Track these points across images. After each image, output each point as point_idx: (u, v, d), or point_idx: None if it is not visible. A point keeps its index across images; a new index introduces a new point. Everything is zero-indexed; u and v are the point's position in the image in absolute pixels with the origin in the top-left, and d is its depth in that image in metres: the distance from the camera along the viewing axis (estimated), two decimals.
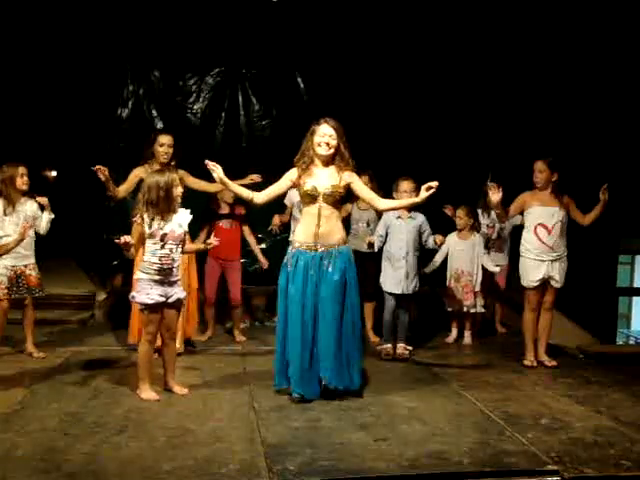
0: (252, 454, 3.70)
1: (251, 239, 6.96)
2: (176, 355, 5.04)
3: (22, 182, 5.74)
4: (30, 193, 5.87)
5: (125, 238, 4.46)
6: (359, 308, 4.88)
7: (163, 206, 4.58)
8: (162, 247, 4.60)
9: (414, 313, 6.20)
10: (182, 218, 4.69)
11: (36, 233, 5.84)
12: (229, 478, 3.40)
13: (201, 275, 6.72)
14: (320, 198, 4.70)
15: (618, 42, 8.30)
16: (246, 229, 6.91)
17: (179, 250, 4.70)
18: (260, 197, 4.85)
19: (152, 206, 4.58)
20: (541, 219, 5.80)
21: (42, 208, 5.85)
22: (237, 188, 4.88)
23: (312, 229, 4.71)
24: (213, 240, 4.99)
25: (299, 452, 3.73)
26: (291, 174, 4.83)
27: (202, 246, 5.22)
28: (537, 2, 8.24)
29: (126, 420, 4.22)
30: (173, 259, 4.64)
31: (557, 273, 5.79)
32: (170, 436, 3.93)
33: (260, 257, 6.99)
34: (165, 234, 4.59)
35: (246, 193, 4.84)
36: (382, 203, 4.95)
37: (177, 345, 5.71)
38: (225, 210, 6.74)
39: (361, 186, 4.88)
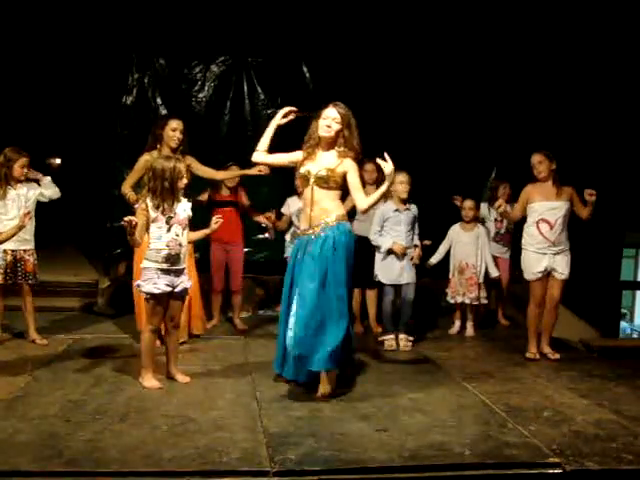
0: (253, 443, 3.70)
1: (258, 217, 6.91)
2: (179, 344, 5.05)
3: (21, 172, 5.72)
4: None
5: (130, 218, 4.40)
6: (345, 285, 4.58)
7: (166, 195, 4.57)
8: (168, 230, 4.58)
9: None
10: (185, 205, 4.70)
11: (39, 216, 5.83)
12: (230, 467, 3.41)
13: (206, 262, 6.75)
14: (312, 180, 4.62)
15: (621, 36, 8.25)
16: (251, 212, 6.92)
17: (185, 235, 4.68)
18: (259, 157, 4.88)
19: (155, 194, 4.57)
20: (544, 214, 5.77)
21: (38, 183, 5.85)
22: (270, 133, 4.87)
23: (307, 213, 4.68)
24: (216, 220, 4.92)
25: (300, 442, 3.74)
26: (296, 155, 4.78)
27: (206, 231, 5.07)
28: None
29: (128, 408, 4.23)
30: (180, 244, 4.63)
31: (559, 265, 5.75)
32: (172, 424, 3.94)
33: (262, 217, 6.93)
34: (170, 217, 4.59)
35: (264, 141, 4.86)
36: (364, 203, 4.68)
37: (183, 337, 5.72)
38: (226, 193, 6.76)
39: (354, 180, 4.66)
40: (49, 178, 5.88)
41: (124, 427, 3.89)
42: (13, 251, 5.68)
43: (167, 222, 4.58)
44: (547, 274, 5.79)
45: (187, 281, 4.77)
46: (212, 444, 3.66)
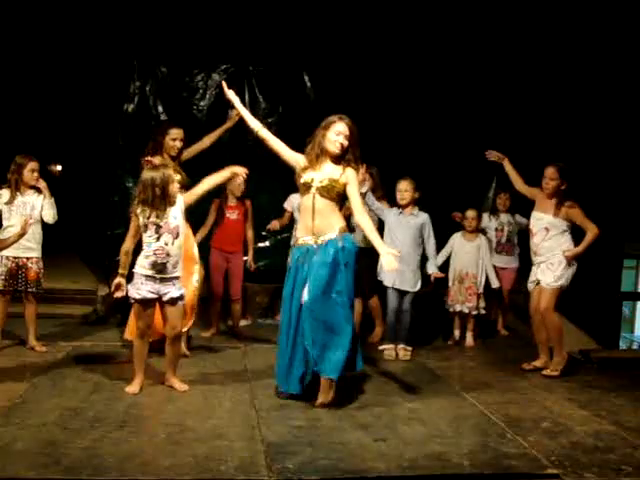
0: (252, 452, 3.70)
1: (250, 234, 6.95)
2: (180, 356, 5.04)
3: (31, 177, 5.75)
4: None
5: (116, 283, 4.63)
6: (348, 298, 4.57)
7: (158, 203, 4.59)
8: (157, 239, 4.61)
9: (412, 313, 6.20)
10: (176, 210, 4.68)
11: (45, 224, 5.86)
12: (228, 476, 3.40)
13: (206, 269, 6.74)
14: (314, 189, 4.60)
15: (626, 46, 8.28)
16: (248, 223, 6.91)
17: (175, 244, 4.66)
18: (265, 133, 4.85)
19: (147, 203, 4.60)
20: (530, 224, 5.85)
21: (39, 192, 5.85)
22: (246, 113, 4.95)
23: (308, 223, 4.65)
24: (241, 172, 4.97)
25: (299, 451, 3.73)
26: (297, 157, 4.76)
27: (227, 174, 5.04)
28: (545, 4, 8.22)
29: (126, 415, 4.23)
30: (168, 253, 4.63)
31: (541, 275, 5.69)
32: (170, 432, 3.94)
33: (250, 257, 6.95)
34: (160, 226, 4.61)
35: (253, 123, 4.89)
36: (359, 217, 4.68)
37: (183, 349, 5.69)
38: (233, 203, 6.77)
39: (354, 191, 4.64)
40: (52, 199, 5.87)
41: (122, 435, 3.88)
42: (15, 258, 5.68)
43: (156, 231, 4.61)
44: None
45: (177, 290, 4.73)
46: (210, 453, 3.66)
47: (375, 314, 6.82)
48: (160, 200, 4.59)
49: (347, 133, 4.62)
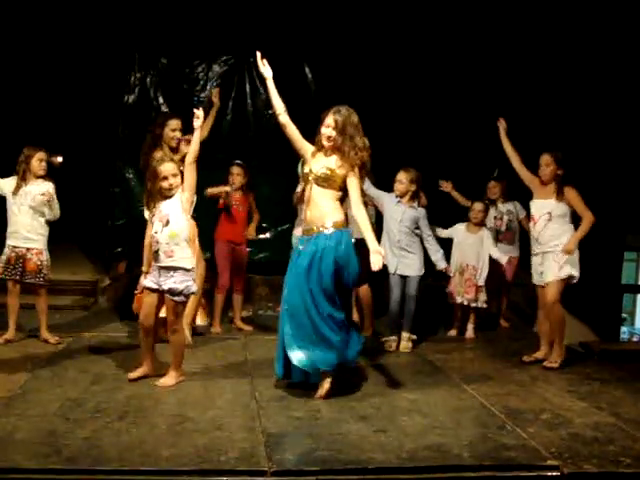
0: (252, 443, 3.71)
1: (255, 215, 6.95)
2: (183, 345, 5.01)
3: (39, 167, 5.79)
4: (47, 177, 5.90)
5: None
6: (336, 296, 4.55)
7: (150, 194, 4.77)
8: (151, 228, 4.72)
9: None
10: (172, 201, 4.71)
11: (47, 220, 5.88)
12: (228, 466, 3.41)
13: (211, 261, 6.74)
14: (312, 179, 4.62)
15: (629, 37, 8.25)
16: (254, 214, 6.93)
17: (165, 232, 4.64)
18: (286, 118, 4.81)
19: (146, 192, 4.85)
20: (532, 212, 5.82)
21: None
22: (273, 91, 4.89)
23: (306, 214, 4.69)
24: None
25: (299, 442, 3.76)
26: (306, 146, 4.78)
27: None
28: None
29: (127, 406, 4.24)
30: (157, 241, 4.65)
31: (545, 267, 5.64)
32: (170, 423, 3.95)
33: (252, 228, 6.94)
34: (152, 215, 4.73)
35: (278, 104, 4.85)
36: (355, 210, 4.62)
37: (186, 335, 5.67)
38: (238, 195, 6.77)
39: (352, 183, 4.60)
40: (56, 201, 5.88)
41: (123, 425, 3.89)
42: (14, 247, 5.72)
43: (150, 220, 4.74)
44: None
45: (172, 282, 4.66)
46: (210, 443, 3.67)
47: (364, 305, 6.70)
48: (152, 192, 4.74)
49: (333, 125, 4.60)
